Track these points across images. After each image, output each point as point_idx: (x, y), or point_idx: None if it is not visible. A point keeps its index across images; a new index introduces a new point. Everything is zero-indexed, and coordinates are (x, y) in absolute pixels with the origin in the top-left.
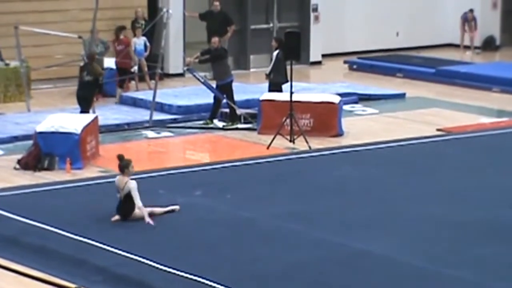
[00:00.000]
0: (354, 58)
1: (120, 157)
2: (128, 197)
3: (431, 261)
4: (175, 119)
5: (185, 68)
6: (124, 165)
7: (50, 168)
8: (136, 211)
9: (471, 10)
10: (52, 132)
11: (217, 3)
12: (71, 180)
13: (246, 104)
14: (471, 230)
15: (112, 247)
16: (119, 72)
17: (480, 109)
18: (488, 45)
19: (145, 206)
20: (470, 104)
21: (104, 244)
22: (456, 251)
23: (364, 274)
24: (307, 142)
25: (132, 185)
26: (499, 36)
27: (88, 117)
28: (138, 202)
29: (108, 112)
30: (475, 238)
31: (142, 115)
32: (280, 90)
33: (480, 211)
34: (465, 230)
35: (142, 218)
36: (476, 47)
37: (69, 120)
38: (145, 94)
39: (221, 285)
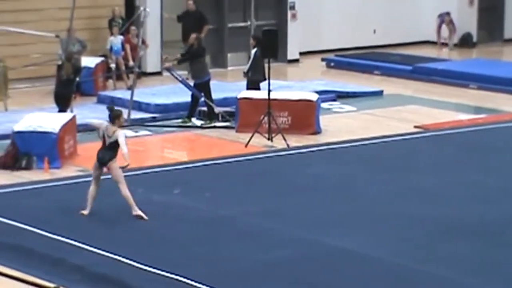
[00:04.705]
0: (331, 56)
1: (111, 108)
2: (113, 145)
3: (405, 257)
4: (153, 117)
5: (164, 67)
6: (115, 115)
7: (28, 167)
8: (112, 163)
9: (448, 13)
10: (30, 132)
11: (190, 2)
12: (49, 179)
13: (224, 102)
14: (444, 226)
15: (90, 246)
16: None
17: (457, 106)
18: (465, 42)
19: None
20: (447, 101)
21: (82, 243)
22: (429, 247)
23: (340, 271)
24: (285, 140)
25: (121, 133)
26: (476, 33)
27: (66, 116)
28: (125, 148)
29: (86, 111)
30: (448, 234)
31: None
32: (258, 88)
33: (454, 208)
34: (438, 227)
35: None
36: (453, 44)
37: (47, 119)
38: (123, 93)
39: (199, 283)
